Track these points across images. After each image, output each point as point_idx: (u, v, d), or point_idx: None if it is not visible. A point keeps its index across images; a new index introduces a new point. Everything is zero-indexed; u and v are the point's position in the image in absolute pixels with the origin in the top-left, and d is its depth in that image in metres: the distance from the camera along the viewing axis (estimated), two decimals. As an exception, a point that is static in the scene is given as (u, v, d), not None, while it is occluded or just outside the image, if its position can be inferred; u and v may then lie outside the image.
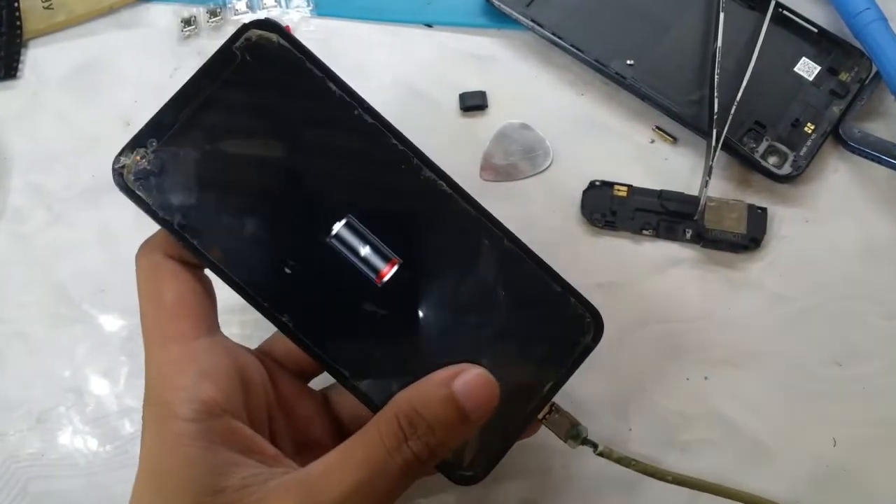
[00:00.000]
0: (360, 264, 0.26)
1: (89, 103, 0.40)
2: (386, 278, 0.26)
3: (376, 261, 0.26)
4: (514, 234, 0.27)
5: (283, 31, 0.26)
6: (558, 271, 0.27)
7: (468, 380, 0.24)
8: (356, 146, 0.26)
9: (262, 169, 0.26)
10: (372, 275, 0.26)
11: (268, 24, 0.26)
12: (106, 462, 0.35)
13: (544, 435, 0.28)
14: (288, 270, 0.26)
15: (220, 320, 0.27)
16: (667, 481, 0.30)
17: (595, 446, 0.29)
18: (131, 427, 0.35)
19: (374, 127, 0.26)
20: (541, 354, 0.27)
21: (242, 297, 0.26)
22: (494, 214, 0.27)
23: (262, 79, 0.26)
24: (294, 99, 0.26)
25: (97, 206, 0.38)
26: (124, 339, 0.36)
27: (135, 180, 0.25)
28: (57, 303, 0.37)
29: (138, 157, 0.25)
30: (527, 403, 0.26)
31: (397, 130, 0.26)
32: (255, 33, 0.26)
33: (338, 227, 0.26)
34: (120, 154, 0.25)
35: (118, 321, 0.37)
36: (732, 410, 0.35)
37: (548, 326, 0.27)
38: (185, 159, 0.25)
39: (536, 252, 0.27)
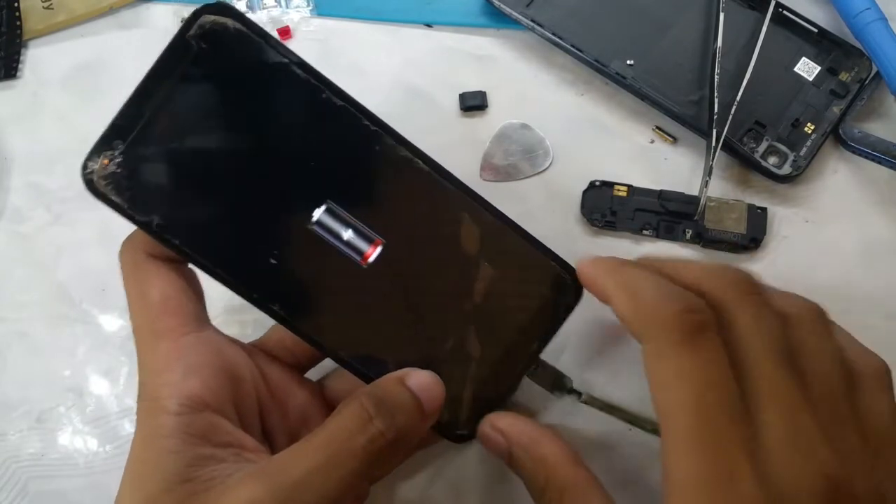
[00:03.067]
0: (343, 248, 0.26)
1: (89, 103, 0.40)
2: (371, 259, 0.26)
3: (360, 243, 0.26)
4: (491, 204, 0.27)
5: (238, 15, 0.25)
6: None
7: (419, 378, 0.26)
8: (327, 129, 0.26)
9: (234, 161, 0.25)
10: (357, 257, 0.26)
11: (221, 8, 0.25)
12: (106, 462, 0.35)
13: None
14: (273, 261, 0.26)
15: (221, 320, 0.27)
16: (646, 430, 0.31)
17: (579, 395, 0.30)
18: (131, 427, 0.35)
19: (343, 109, 0.26)
20: (525, 317, 0.27)
21: (231, 289, 0.26)
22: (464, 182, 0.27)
23: (222, 67, 0.25)
24: (258, 86, 0.25)
25: (97, 206, 0.38)
26: (124, 339, 0.36)
27: (105, 185, 0.25)
28: (57, 303, 0.37)
29: (106, 161, 0.25)
30: (515, 364, 0.28)
31: (367, 110, 0.26)
32: (207, 19, 0.24)
33: (318, 213, 0.26)
34: (87, 160, 0.25)
35: (118, 321, 0.37)
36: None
37: (531, 289, 0.27)
38: (153, 158, 0.25)
39: None
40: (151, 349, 0.25)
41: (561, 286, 0.28)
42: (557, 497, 0.25)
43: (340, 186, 0.26)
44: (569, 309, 0.28)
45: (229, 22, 0.24)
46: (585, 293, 0.28)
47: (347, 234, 0.26)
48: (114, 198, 0.25)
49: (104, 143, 0.25)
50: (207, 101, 0.25)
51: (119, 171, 0.25)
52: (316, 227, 0.26)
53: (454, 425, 0.27)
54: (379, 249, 0.26)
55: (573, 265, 0.28)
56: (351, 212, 0.26)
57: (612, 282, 0.25)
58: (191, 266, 0.27)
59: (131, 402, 0.36)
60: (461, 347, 0.27)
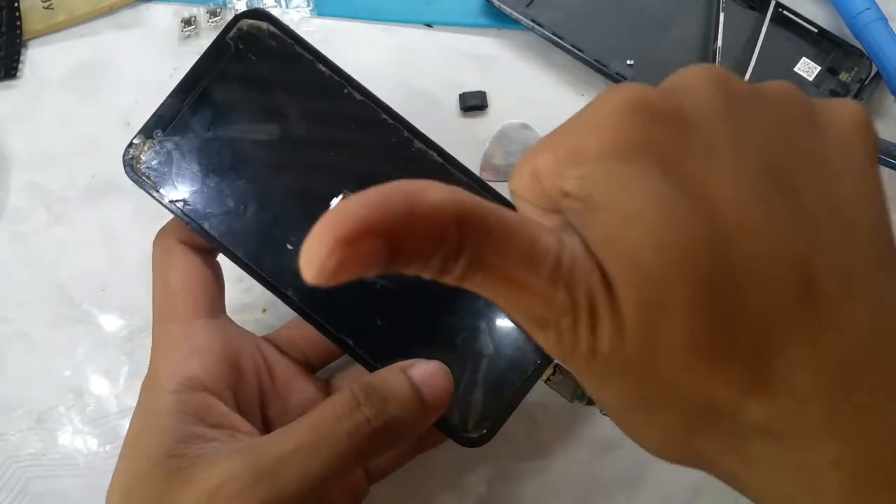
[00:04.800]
0: None
1: (89, 103, 0.40)
2: None
3: None
4: (505, 198, 0.28)
5: (273, 19, 0.27)
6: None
7: (423, 367, 0.25)
8: (348, 123, 0.28)
9: (261, 152, 0.27)
10: None
11: (258, 13, 0.27)
12: (106, 462, 0.35)
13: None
14: (290, 247, 0.27)
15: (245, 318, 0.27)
16: None
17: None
18: (131, 427, 0.35)
19: (364, 103, 0.27)
20: None
21: (249, 273, 0.27)
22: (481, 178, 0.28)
23: (256, 65, 0.27)
24: (287, 82, 0.28)
25: (97, 206, 0.38)
26: (124, 339, 0.36)
27: (144, 169, 0.27)
28: (57, 303, 0.37)
29: (146, 147, 0.27)
30: (528, 365, 0.27)
31: (386, 105, 0.28)
32: (246, 23, 0.27)
33: (335, 202, 0.27)
34: (129, 146, 0.27)
35: (118, 321, 0.37)
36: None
37: None
38: (189, 147, 0.27)
39: None
40: (163, 331, 0.27)
41: None
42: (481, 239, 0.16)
43: (359, 177, 0.27)
44: None
45: (264, 25, 0.27)
46: None
47: None
48: (150, 182, 0.27)
49: (146, 132, 0.27)
50: (241, 96, 0.27)
51: (156, 157, 0.27)
52: None
53: (464, 427, 0.27)
54: None
55: None
56: None
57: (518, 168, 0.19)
58: (217, 258, 0.29)
59: (131, 402, 0.36)
60: (473, 344, 0.27)
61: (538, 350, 0.27)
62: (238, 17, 0.27)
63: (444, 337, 0.27)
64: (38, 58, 0.41)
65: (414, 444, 0.30)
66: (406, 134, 0.27)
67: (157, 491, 0.23)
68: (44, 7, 0.41)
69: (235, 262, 0.27)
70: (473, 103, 0.39)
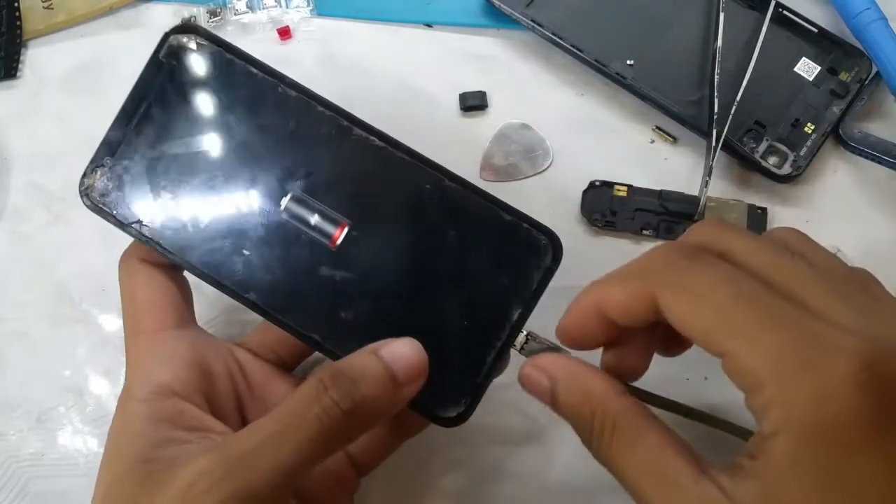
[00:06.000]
0: (313, 233, 0.27)
1: (89, 103, 0.40)
2: (339, 241, 0.27)
3: (327, 227, 0.27)
4: (454, 173, 0.27)
5: (200, 30, 0.28)
6: (559, 272, 0.27)
7: (394, 345, 0.25)
8: (287, 121, 0.28)
9: (208, 164, 0.28)
10: (325, 241, 0.27)
11: (184, 28, 0.28)
12: (106, 462, 0.35)
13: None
14: (246, 252, 0.27)
15: (223, 319, 0.27)
16: (656, 405, 0.28)
17: None
18: (131, 427, 0.35)
19: (299, 99, 0.27)
20: (503, 285, 0.27)
21: (211, 285, 0.27)
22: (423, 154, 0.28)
23: (192, 78, 0.28)
24: (223, 90, 0.28)
25: (97, 206, 0.38)
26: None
27: (99, 198, 0.28)
28: (57, 303, 0.37)
29: (98, 176, 0.27)
30: (498, 336, 0.27)
31: (321, 97, 0.27)
32: (175, 38, 0.28)
33: (284, 202, 0.27)
34: (83, 177, 0.28)
35: (118, 321, 0.37)
36: (733, 411, 0.35)
37: (505, 256, 0.27)
38: (137, 169, 0.28)
39: None
40: (132, 344, 0.28)
41: (537, 249, 0.27)
42: (609, 428, 0.23)
43: (304, 175, 0.28)
44: (549, 273, 0.27)
45: (192, 38, 0.27)
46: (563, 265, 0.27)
47: (314, 219, 0.27)
48: (106, 210, 0.28)
49: (96, 161, 0.28)
50: (182, 112, 0.28)
51: (109, 184, 0.28)
52: (285, 216, 0.27)
53: (439, 407, 0.27)
54: (345, 231, 0.27)
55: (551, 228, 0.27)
56: (316, 197, 0.27)
57: (600, 286, 0.24)
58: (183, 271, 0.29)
59: (131, 402, 0.36)
60: (439, 322, 0.27)
61: (506, 318, 0.27)
62: (167, 35, 0.28)
63: (410, 318, 0.27)
64: (38, 58, 0.41)
65: (397, 432, 0.30)
66: (344, 122, 0.27)
67: (132, 494, 0.23)
68: (44, 7, 0.41)
69: (195, 274, 0.28)
70: (473, 103, 0.39)
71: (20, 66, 0.40)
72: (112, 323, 0.37)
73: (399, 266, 0.27)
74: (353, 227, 0.27)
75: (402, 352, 0.25)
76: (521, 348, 0.27)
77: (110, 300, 0.37)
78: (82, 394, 0.36)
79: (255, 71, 0.27)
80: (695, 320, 0.21)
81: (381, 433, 0.30)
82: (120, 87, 0.40)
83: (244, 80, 0.28)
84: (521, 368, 0.26)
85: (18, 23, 0.40)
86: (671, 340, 0.28)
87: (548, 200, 0.38)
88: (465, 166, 0.38)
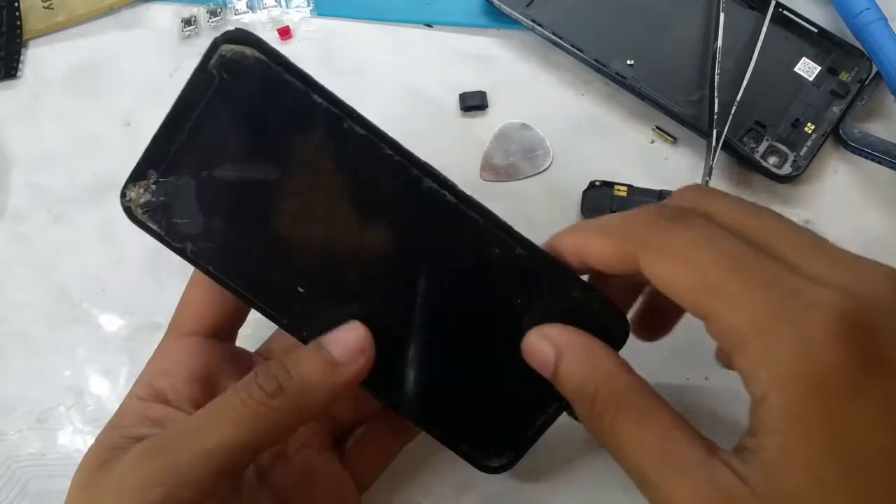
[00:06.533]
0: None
1: (89, 103, 0.40)
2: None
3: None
4: (527, 239, 0.26)
5: (258, 42, 0.24)
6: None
7: (334, 331, 0.25)
8: (349, 160, 0.25)
9: (261, 190, 0.25)
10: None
11: (240, 37, 0.24)
12: (106, 462, 0.35)
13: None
14: (301, 290, 0.26)
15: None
16: None
17: None
18: (131, 427, 0.35)
19: (366, 138, 0.25)
20: None
21: (262, 314, 0.26)
22: (496, 214, 0.26)
23: (244, 96, 0.25)
24: (280, 115, 0.25)
25: (97, 206, 0.38)
26: (124, 339, 0.36)
27: (143, 213, 0.25)
28: (57, 303, 0.37)
29: (141, 190, 0.25)
30: (550, 402, 0.26)
31: (392, 140, 0.25)
32: (227, 48, 0.24)
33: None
34: (124, 188, 0.25)
35: (118, 321, 0.37)
36: (732, 410, 0.35)
37: (578, 323, 0.26)
38: (185, 187, 0.25)
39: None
40: (163, 338, 0.29)
41: (603, 328, 0.25)
42: (613, 406, 0.22)
43: (363, 221, 0.25)
44: (619, 343, 0.26)
45: (248, 50, 0.24)
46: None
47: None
48: (152, 225, 0.25)
49: (139, 173, 0.25)
50: (232, 130, 0.25)
51: (154, 199, 0.25)
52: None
53: (484, 456, 0.27)
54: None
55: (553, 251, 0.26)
56: (376, 250, 0.26)
57: (582, 233, 0.24)
58: None
59: (131, 402, 0.36)
60: (498, 379, 0.26)
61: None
62: (217, 43, 0.24)
63: (469, 364, 0.26)
64: (38, 58, 0.41)
65: (395, 439, 0.31)
66: (414, 172, 0.25)
67: (87, 476, 0.25)
68: (44, 7, 0.41)
69: (245, 302, 0.26)
70: (473, 103, 0.39)
71: (20, 66, 0.40)
72: (112, 323, 0.37)
73: (467, 323, 0.26)
74: (428, 282, 0.26)
75: (340, 335, 0.25)
76: (572, 410, 0.26)
77: (110, 300, 0.37)
78: (82, 394, 0.36)
79: (318, 100, 0.24)
80: (677, 281, 0.21)
81: (378, 439, 0.31)
82: (120, 88, 0.40)
83: (305, 108, 0.24)
84: (526, 336, 0.25)
85: (18, 23, 0.40)
86: (652, 315, 0.28)
87: (548, 200, 0.38)
88: (465, 166, 0.38)
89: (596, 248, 0.24)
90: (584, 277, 0.26)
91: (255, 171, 0.25)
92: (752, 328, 0.20)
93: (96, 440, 0.26)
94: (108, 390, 0.36)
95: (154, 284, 0.37)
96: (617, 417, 0.22)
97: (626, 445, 0.22)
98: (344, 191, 0.25)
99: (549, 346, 0.24)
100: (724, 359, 0.26)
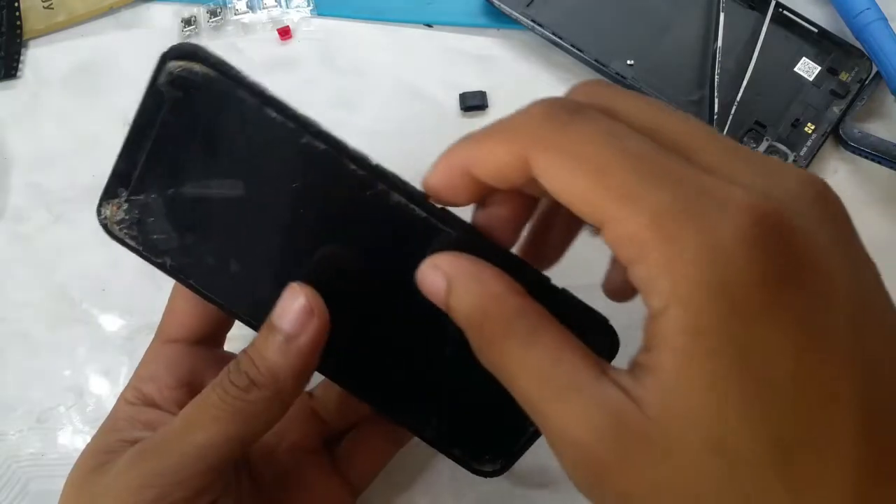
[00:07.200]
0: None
1: (89, 103, 0.40)
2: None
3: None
4: (521, 259, 0.24)
5: (205, 57, 0.23)
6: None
7: (278, 305, 0.24)
8: (308, 174, 0.24)
9: (227, 205, 0.25)
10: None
11: (187, 52, 0.23)
12: (106, 462, 0.35)
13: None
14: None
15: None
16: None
17: None
18: (131, 427, 0.35)
19: (326, 153, 0.23)
20: None
21: (237, 320, 0.26)
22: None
23: (197, 113, 0.24)
24: (233, 130, 0.24)
25: (97, 206, 0.38)
26: (124, 339, 0.36)
27: (119, 230, 0.26)
28: (57, 303, 0.37)
29: (115, 208, 0.25)
30: None
31: (356, 152, 0.24)
32: (175, 65, 0.23)
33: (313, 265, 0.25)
34: (99, 206, 0.25)
35: (118, 321, 0.37)
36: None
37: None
38: (155, 205, 0.25)
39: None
40: (150, 345, 0.29)
41: (595, 340, 0.23)
42: (500, 332, 0.20)
43: (332, 235, 0.25)
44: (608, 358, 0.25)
45: (196, 66, 0.23)
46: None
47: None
48: (129, 241, 0.26)
49: (110, 191, 0.25)
50: (191, 148, 0.24)
51: (128, 217, 0.25)
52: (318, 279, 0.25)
53: (475, 461, 0.27)
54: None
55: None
56: (344, 267, 0.25)
57: (470, 142, 0.21)
58: None
59: (131, 402, 0.36)
60: (493, 389, 0.26)
61: None
62: (164, 59, 0.23)
63: (463, 385, 0.26)
64: (38, 58, 0.41)
65: (387, 444, 0.31)
66: (382, 186, 0.24)
67: (82, 478, 0.25)
68: (44, 7, 0.41)
69: (226, 314, 0.26)
70: (473, 103, 0.39)
71: (20, 66, 0.40)
72: (112, 323, 0.37)
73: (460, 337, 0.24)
74: (394, 295, 0.25)
75: (283, 305, 0.24)
76: None
77: (110, 300, 0.37)
78: (82, 394, 0.36)
79: (273, 114, 0.23)
80: (572, 184, 0.18)
81: (370, 443, 0.31)
82: (120, 88, 0.40)
83: (260, 123, 0.23)
84: (421, 265, 0.23)
85: (18, 23, 0.40)
86: (546, 237, 0.25)
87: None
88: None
89: (483, 157, 0.21)
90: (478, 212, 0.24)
91: (217, 187, 0.25)
92: (652, 233, 0.17)
93: (90, 443, 0.26)
94: (107, 390, 0.36)
95: (153, 285, 0.37)
96: (504, 343, 0.20)
97: (514, 371, 0.20)
98: (303, 200, 0.24)
99: (440, 274, 0.22)
100: (615, 283, 0.24)
